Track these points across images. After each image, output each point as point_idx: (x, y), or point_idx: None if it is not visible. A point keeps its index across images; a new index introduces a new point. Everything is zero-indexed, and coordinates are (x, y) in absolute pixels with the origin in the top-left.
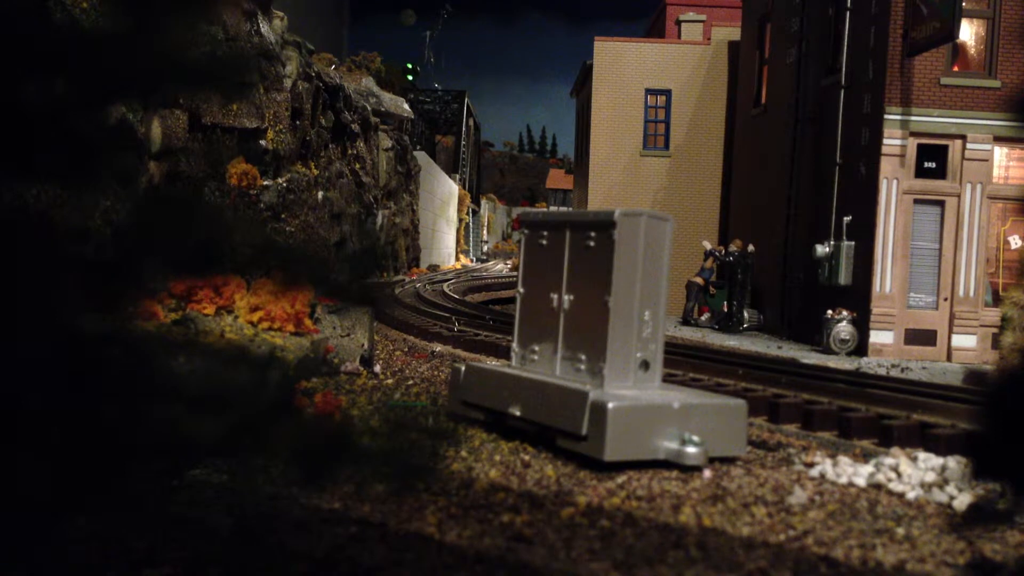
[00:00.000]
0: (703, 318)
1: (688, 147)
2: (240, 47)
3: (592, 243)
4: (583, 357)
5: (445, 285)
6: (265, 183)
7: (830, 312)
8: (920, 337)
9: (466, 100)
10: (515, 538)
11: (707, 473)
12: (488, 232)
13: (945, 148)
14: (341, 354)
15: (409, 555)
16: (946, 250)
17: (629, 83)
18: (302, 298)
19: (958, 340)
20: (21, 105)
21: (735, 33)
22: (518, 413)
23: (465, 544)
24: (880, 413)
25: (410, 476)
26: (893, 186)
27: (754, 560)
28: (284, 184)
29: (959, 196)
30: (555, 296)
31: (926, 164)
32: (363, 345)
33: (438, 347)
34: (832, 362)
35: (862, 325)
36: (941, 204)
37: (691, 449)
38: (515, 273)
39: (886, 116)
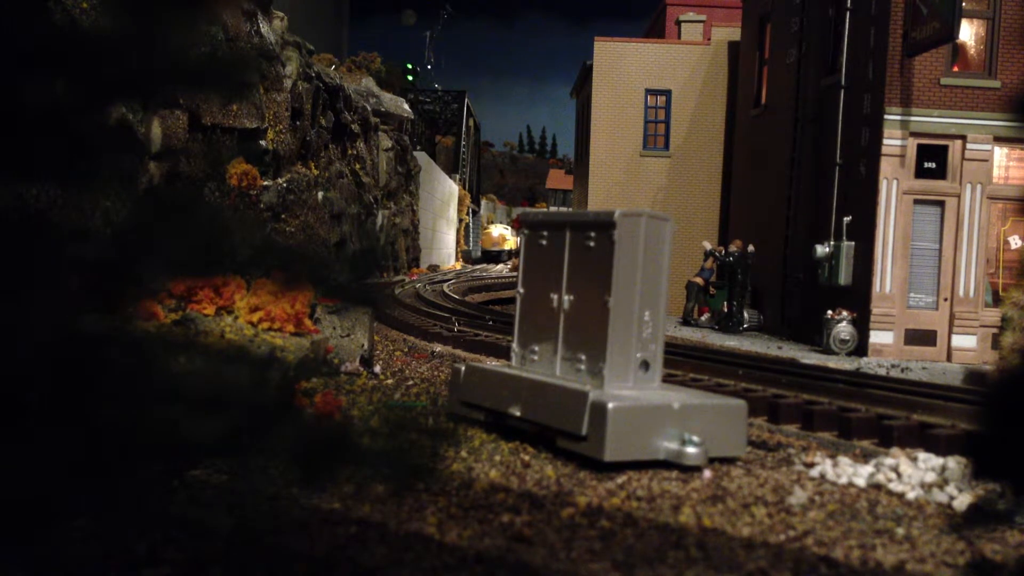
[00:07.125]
0: (703, 318)
1: (688, 147)
2: (240, 47)
3: (592, 243)
4: (583, 357)
5: (445, 285)
6: (265, 183)
7: (830, 312)
8: (920, 337)
9: (466, 100)
10: (515, 538)
11: (707, 473)
12: None
13: (945, 148)
14: (341, 354)
15: (409, 555)
16: (946, 250)
17: (629, 83)
18: (302, 298)
19: (958, 340)
20: (21, 105)
21: (735, 33)
22: (518, 413)
23: (465, 544)
24: (880, 413)
25: (410, 476)
26: (893, 186)
27: (754, 560)
28: (284, 184)
29: (959, 196)
30: (555, 296)
31: (926, 164)
32: (363, 345)
33: (438, 347)
34: (832, 362)
35: (862, 325)
36: (941, 204)
37: (691, 449)
38: (515, 273)
39: (886, 116)
